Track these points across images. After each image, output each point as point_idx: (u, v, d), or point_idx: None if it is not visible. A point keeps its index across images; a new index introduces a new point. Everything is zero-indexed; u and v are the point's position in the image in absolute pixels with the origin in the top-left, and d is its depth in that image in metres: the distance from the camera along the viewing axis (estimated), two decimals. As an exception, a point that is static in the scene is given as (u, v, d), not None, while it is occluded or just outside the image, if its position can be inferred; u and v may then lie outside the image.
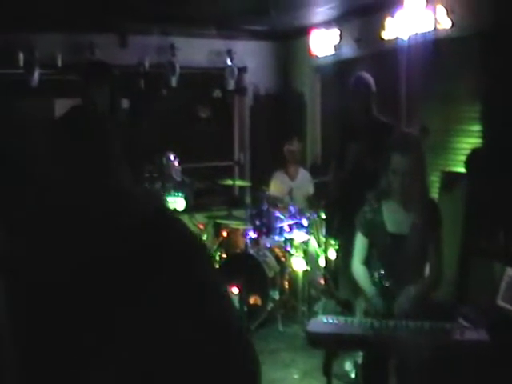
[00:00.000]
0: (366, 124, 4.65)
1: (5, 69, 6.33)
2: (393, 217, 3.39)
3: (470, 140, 5.08)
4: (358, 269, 3.51)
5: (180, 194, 5.70)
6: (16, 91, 5.78)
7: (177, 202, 5.63)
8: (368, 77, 4.73)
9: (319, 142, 7.68)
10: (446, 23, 5.07)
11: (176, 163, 5.89)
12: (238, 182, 7.19)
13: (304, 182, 6.42)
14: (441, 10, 5.08)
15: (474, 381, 2.91)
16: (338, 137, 5.06)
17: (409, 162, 3.23)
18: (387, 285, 3.37)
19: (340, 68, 6.86)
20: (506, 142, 4.46)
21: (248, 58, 7.75)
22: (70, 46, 6.66)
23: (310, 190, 6.31)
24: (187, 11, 6.27)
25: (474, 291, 4.21)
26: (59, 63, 6.65)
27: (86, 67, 3.92)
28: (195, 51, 7.36)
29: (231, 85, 7.68)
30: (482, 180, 4.49)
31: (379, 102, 4.77)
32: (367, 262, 3.50)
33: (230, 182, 6.70)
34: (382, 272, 3.40)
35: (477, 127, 4.98)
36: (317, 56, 7.14)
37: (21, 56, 6.46)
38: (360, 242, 3.53)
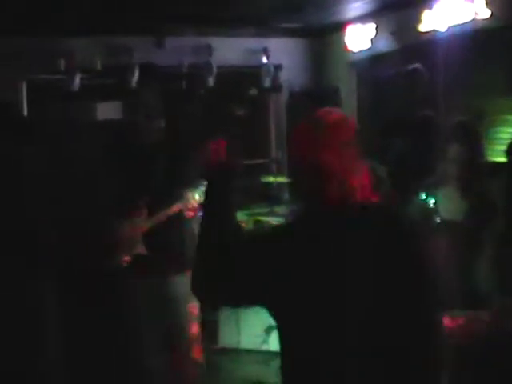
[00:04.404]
0: (415, 118, 4.62)
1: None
2: (448, 203, 3.41)
3: (509, 129, 5.06)
4: None
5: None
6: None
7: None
8: (424, 69, 4.65)
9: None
10: (484, 14, 5.05)
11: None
12: (279, 179, 7.18)
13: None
14: (479, 1, 5.06)
15: None
16: (379, 131, 5.05)
17: (468, 151, 3.25)
18: None
19: (376, 62, 6.86)
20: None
21: (283, 55, 7.78)
22: (108, 50, 6.75)
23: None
24: (222, 11, 6.32)
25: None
26: (98, 67, 6.75)
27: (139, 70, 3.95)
28: (231, 51, 7.43)
29: (267, 83, 7.72)
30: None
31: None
32: None
33: (271, 178, 6.74)
34: None
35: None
36: (352, 51, 7.14)
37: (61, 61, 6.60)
38: None
